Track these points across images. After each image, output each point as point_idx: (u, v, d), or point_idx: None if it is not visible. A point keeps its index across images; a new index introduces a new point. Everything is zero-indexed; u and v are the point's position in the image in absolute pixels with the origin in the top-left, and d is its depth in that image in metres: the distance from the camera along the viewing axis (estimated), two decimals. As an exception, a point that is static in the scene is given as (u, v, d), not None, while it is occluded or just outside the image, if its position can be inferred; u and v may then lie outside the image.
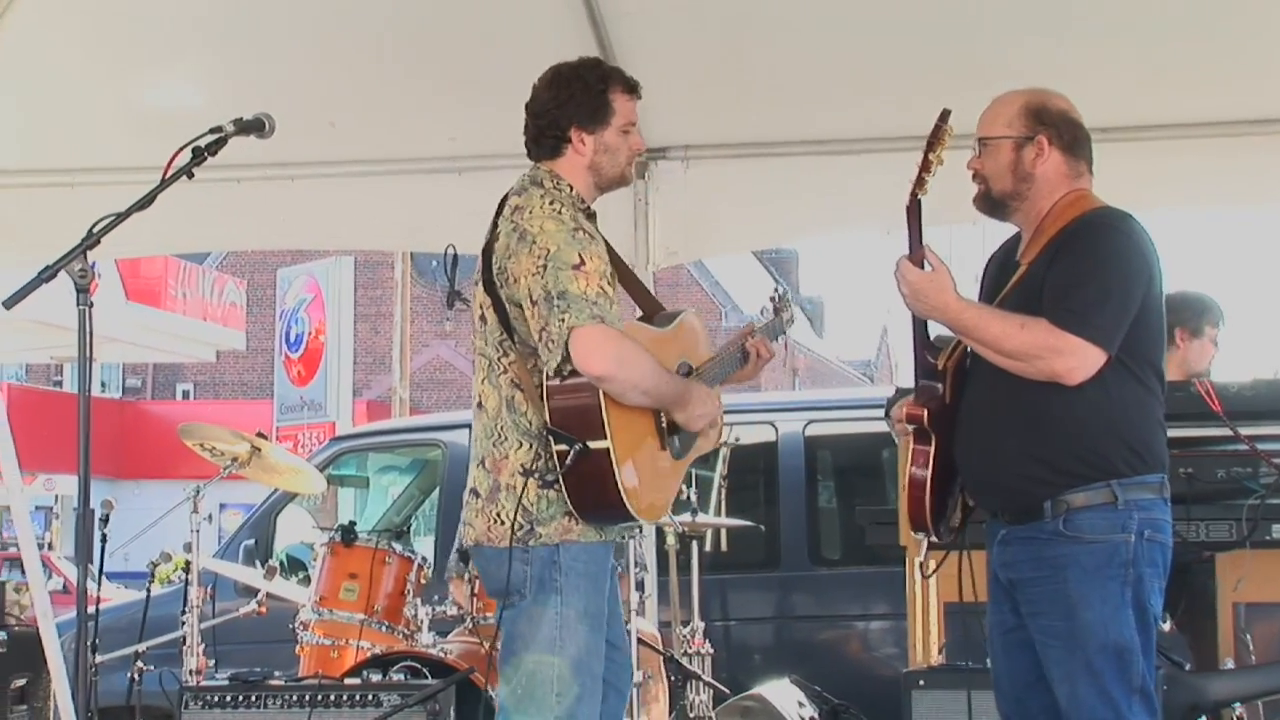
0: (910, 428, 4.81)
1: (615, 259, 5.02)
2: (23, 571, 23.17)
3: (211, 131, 4.83)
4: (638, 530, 5.02)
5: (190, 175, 4.75)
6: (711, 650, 7.55)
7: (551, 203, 4.90)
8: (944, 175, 4.75)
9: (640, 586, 6.95)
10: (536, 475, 4.73)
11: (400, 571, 6.77)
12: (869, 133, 7.72)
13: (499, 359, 4.87)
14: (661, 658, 7.20)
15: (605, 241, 4.97)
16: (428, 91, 7.84)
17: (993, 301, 4.82)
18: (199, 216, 7.96)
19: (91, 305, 4.29)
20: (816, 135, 7.90)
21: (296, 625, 6.92)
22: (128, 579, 18.25)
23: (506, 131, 7.92)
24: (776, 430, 9.88)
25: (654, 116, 7.96)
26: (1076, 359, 4.56)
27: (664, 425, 4.87)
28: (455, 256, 6.09)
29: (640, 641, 6.77)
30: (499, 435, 4.83)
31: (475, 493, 4.89)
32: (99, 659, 6.67)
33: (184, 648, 7.03)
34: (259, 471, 7.41)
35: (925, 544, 4.96)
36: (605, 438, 4.63)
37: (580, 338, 4.61)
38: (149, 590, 7.98)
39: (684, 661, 7.31)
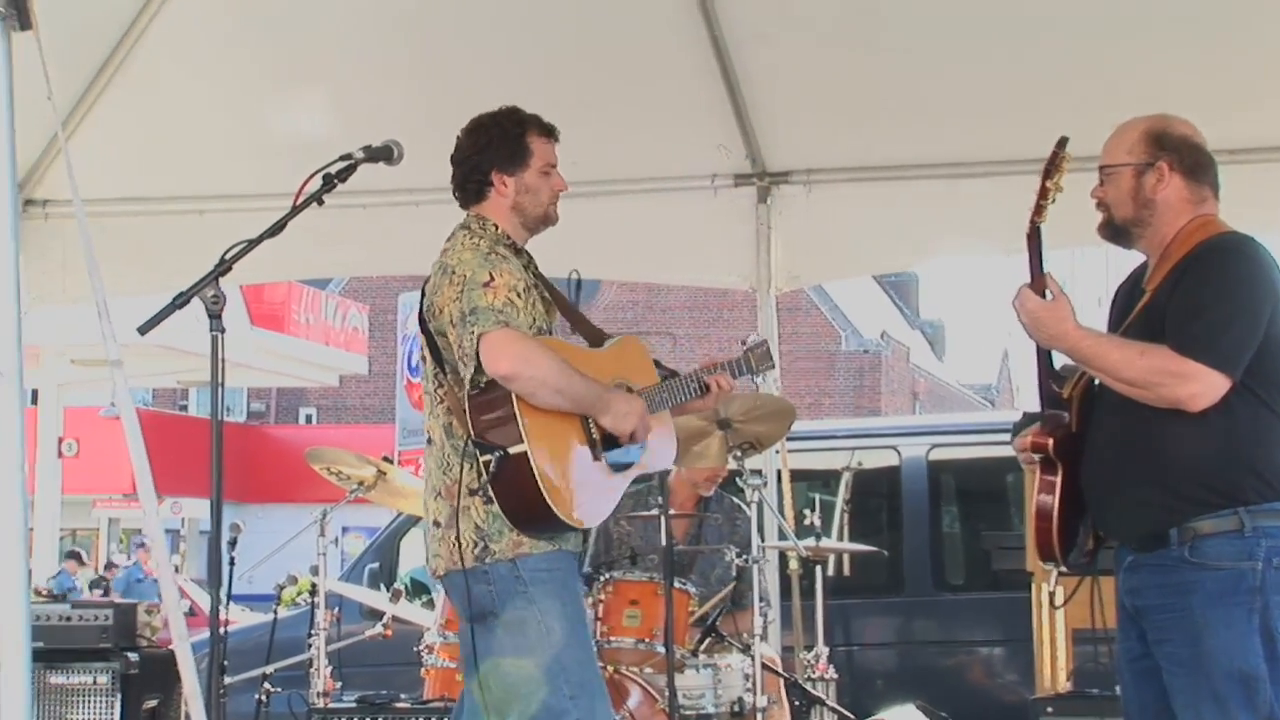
0: (1037, 457, 4.78)
1: (554, 293, 5.26)
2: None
3: (342, 159, 4.89)
4: (578, 546, 5.06)
5: (320, 202, 4.82)
6: (835, 676, 7.51)
7: (472, 237, 5.12)
8: (1066, 198, 4.72)
9: (763, 612, 6.92)
10: (481, 493, 4.83)
11: (525, 594, 6.78)
12: (992, 155, 7.69)
13: (435, 390, 5.04)
14: (784, 682, 7.17)
15: (541, 276, 5.23)
16: (551, 117, 7.86)
17: (1119, 329, 4.78)
18: (324, 242, 8.04)
19: (224, 331, 4.35)
20: (939, 158, 7.87)
21: (422, 648, 6.95)
22: (251, 601, 18.44)
23: (630, 156, 8.06)
24: (899, 455, 9.83)
25: (776, 141, 8.01)
26: (1199, 385, 4.50)
27: (594, 435, 4.97)
28: (579, 281, 6.11)
29: (763, 666, 6.75)
30: (446, 464, 4.98)
31: (436, 523, 5.00)
32: (227, 681, 6.74)
33: (311, 670, 7.10)
34: (384, 495, 7.46)
35: (1055, 573, 4.92)
36: (522, 441, 4.75)
37: (486, 342, 4.80)
38: (276, 613, 8.06)
39: (808, 687, 7.28)
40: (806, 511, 7.69)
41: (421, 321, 5.13)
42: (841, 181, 8.15)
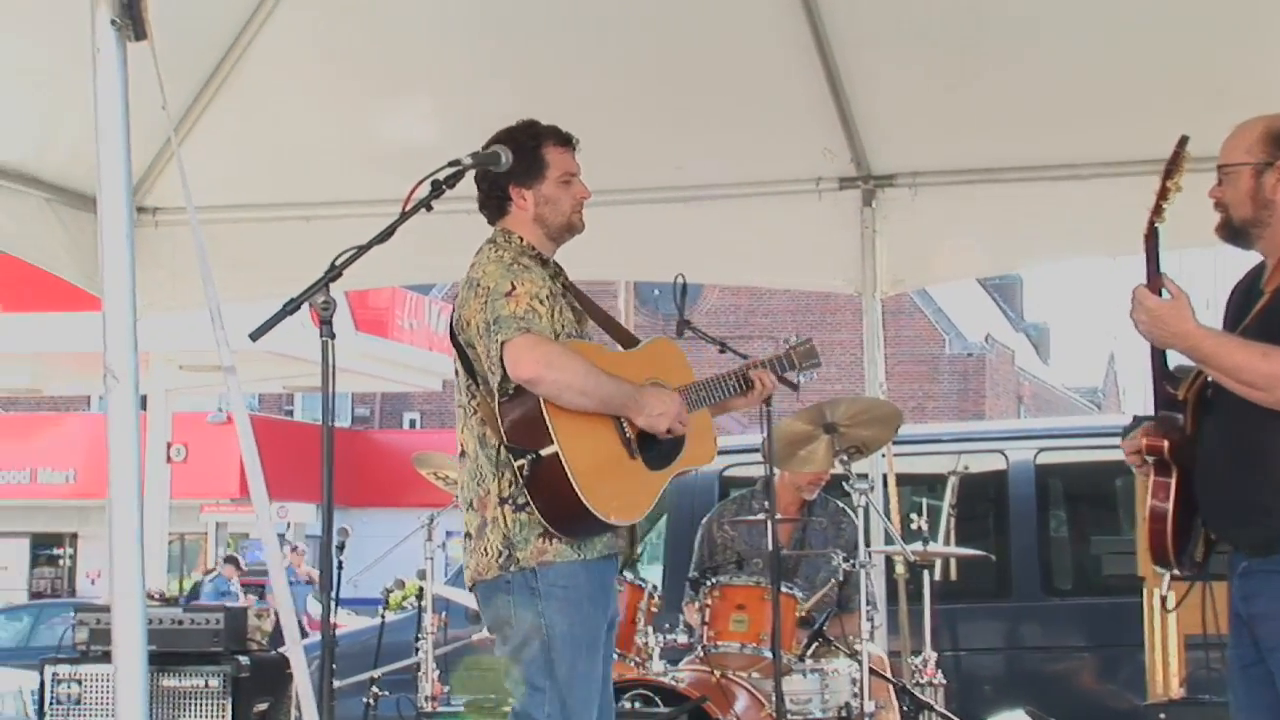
0: (1150, 459, 4.73)
1: (585, 301, 5.34)
2: (261, 597, 23.58)
3: (450, 164, 4.92)
4: (622, 549, 5.12)
5: (429, 208, 4.86)
6: (944, 681, 7.48)
7: (496, 250, 5.19)
8: (1180, 199, 4.67)
9: (870, 617, 6.90)
10: (510, 501, 4.94)
11: (631, 599, 6.78)
12: (1097, 157, 7.64)
13: (468, 403, 5.10)
14: (893, 687, 7.15)
15: (571, 285, 5.30)
16: (655, 122, 7.90)
17: (1235, 330, 4.72)
18: (429, 248, 8.03)
19: (334, 337, 4.39)
20: (1044, 160, 7.82)
21: (530, 652, 6.97)
22: (356, 605, 18.57)
23: (734, 160, 8.06)
24: (1007, 459, 9.77)
25: (881, 143, 7.97)
26: None
27: (628, 434, 5.06)
28: (685, 285, 6.12)
29: (871, 670, 6.73)
30: (479, 475, 5.05)
31: (468, 534, 5.07)
32: (336, 684, 6.80)
33: (419, 674, 7.14)
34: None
35: (1167, 578, 4.86)
36: (552, 442, 4.84)
37: (509, 349, 4.88)
38: (383, 616, 8.11)
39: (916, 692, 7.25)
40: (913, 516, 7.66)
41: (452, 335, 5.20)
42: (947, 184, 8.11)
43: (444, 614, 7.49)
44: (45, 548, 38.69)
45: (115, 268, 3.98)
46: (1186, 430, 4.73)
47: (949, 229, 8.22)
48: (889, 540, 7.65)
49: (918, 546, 7.40)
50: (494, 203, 5.32)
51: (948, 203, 8.12)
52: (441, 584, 8.14)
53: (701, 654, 6.81)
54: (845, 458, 6.96)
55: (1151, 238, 4.63)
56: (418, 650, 7.20)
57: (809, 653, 6.83)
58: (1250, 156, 4.69)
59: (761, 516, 6.68)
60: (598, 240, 8.50)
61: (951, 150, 7.93)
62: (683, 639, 6.93)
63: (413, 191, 4.99)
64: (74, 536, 38.08)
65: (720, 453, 10.34)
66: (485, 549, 4.98)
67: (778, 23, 7.31)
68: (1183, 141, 4.66)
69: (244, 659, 7.27)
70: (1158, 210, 4.63)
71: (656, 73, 7.60)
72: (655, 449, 5.13)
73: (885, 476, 8.31)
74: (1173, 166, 4.64)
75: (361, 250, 4.74)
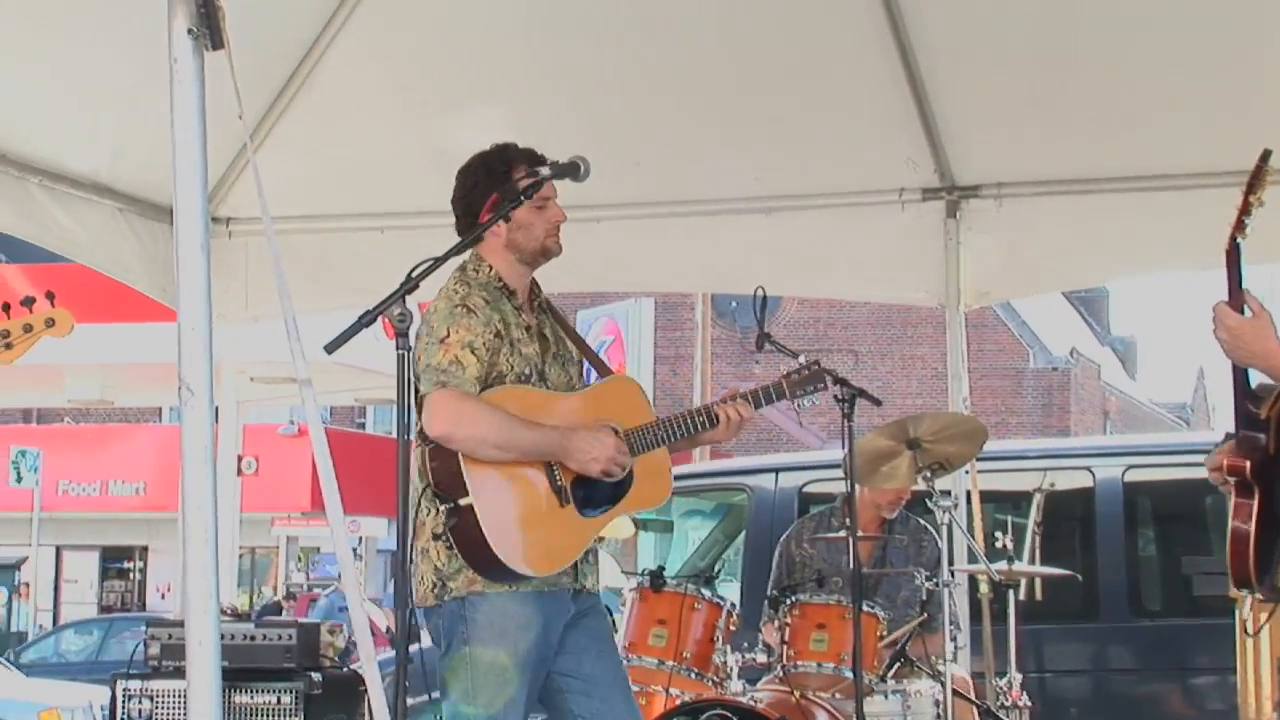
0: (1232, 480, 4.68)
1: (565, 328, 5.53)
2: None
3: (528, 175, 4.94)
4: (566, 584, 5.26)
5: (507, 219, 4.88)
6: (1029, 703, 7.43)
7: (455, 283, 5.25)
8: (1264, 213, 4.63)
9: (953, 637, 6.87)
10: (442, 538, 5.09)
11: (709, 618, 6.78)
12: (1187, 168, 7.58)
13: (417, 434, 5.13)
14: (976, 709, 7.11)
15: (548, 310, 5.48)
16: (733, 131, 7.90)
17: None
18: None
19: (410, 349, 4.41)
20: (1133, 171, 7.78)
21: (604, 671, 6.98)
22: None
23: (814, 170, 8.04)
24: (1093, 476, 9.70)
25: (965, 153, 7.94)
26: None
27: (560, 481, 5.14)
28: (765, 297, 6.12)
29: (954, 692, 6.70)
30: (419, 505, 5.13)
31: (412, 559, 5.14)
32: (409, 702, 6.80)
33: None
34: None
35: (1250, 600, 4.82)
36: (468, 494, 4.97)
37: (425, 403, 5.02)
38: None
39: (1000, 715, 7.21)
40: (998, 534, 7.61)
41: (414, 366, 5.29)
42: (1033, 195, 8.06)
43: (518, 631, 7.48)
44: (115, 561, 39.00)
45: (191, 279, 4.01)
46: (1269, 450, 4.68)
47: (1035, 241, 8.17)
48: (972, 559, 7.61)
49: (1002, 565, 7.36)
50: (467, 229, 5.34)
51: (1034, 214, 8.07)
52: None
53: (781, 674, 6.79)
54: (928, 474, 6.92)
55: (1233, 253, 4.59)
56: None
57: (891, 673, 6.81)
58: None
59: (842, 534, 6.67)
60: (674, 252, 8.63)
61: (1038, 160, 7.89)
62: (761, 658, 6.92)
63: (491, 202, 5.01)
64: (144, 549, 38.38)
65: (799, 468, 10.49)
66: (422, 577, 5.14)
67: (859, 28, 7.29)
68: (1265, 156, 4.61)
69: (316, 675, 7.30)
70: (1239, 225, 4.59)
71: (734, 81, 7.60)
72: (596, 492, 5.21)
73: (969, 493, 8.27)
74: (1254, 181, 4.60)
75: (439, 262, 4.77)
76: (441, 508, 5.06)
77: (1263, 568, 4.68)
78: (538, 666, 5.15)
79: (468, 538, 4.99)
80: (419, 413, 5.08)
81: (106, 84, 7.06)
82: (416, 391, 5.12)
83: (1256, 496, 4.64)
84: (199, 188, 4.06)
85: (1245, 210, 4.58)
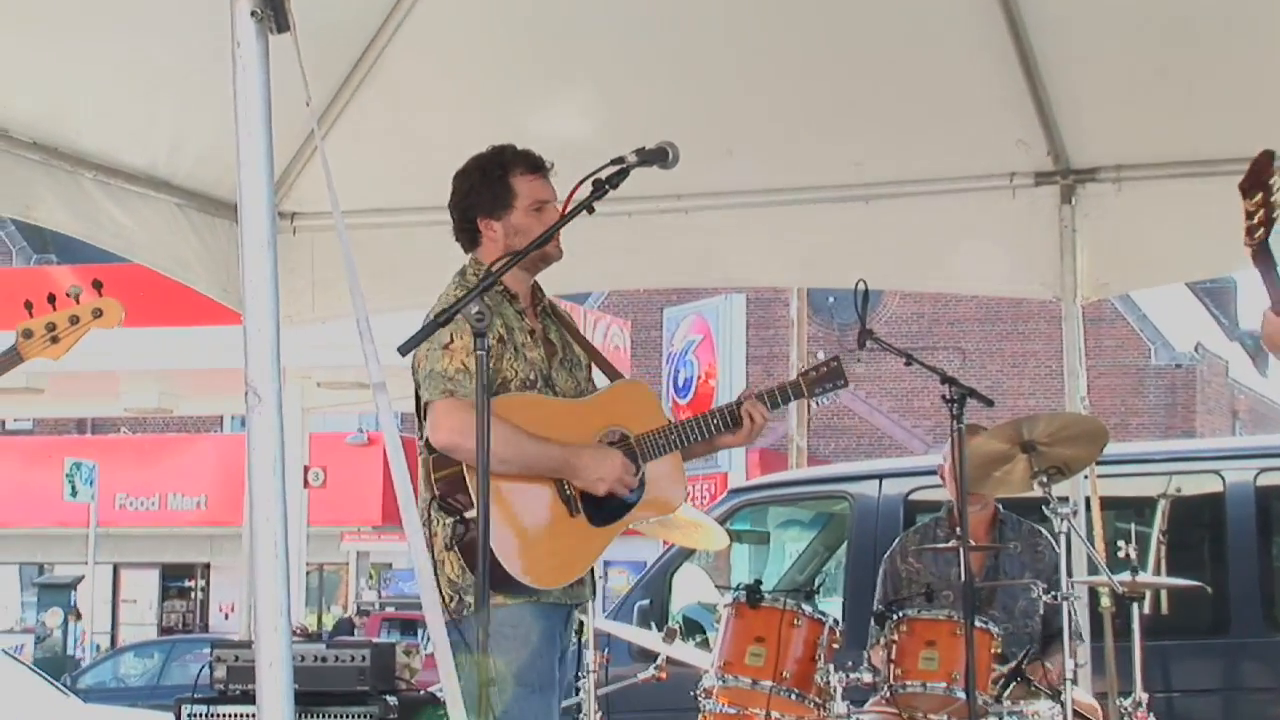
0: None
1: (572, 332, 5.70)
2: (402, 632, 23.72)
3: (613, 162, 4.95)
4: (584, 597, 5.61)
5: (591, 210, 4.89)
6: (1156, 725, 7.38)
7: (455, 288, 5.47)
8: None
9: (1074, 653, 6.83)
10: (453, 550, 5.29)
11: (810, 635, 6.75)
12: (1327, 146, 7.50)
13: (422, 446, 5.35)
14: (1100, 732, 7.07)
15: (553, 314, 5.67)
16: (830, 113, 7.88)
17: None
18: (584, 253, 8.07)
19: (489, 350, 4.42)
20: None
21: (699, 692, 6.97)
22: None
23: (918, 155, 8.01)
24: (1223, 480, 9.63)
25: (1082, 134, 7.89)
26: None
27: (569, 491, 5.35)
28: (866, 291, 6.12)
29: (1077, 714, 6.66)
30: (427, 517, 5.31)
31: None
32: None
33: (580, 715, 7.16)
34: (655, 526, 7.47)
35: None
36: (473, 506, 5.06)
37: (430, 411, 5.25)
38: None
39: (1125, 737, 7.16)
40: (1120, 543, 7.57)
41: (414, 371, 5.46)
42: (1155, 178, 8.00)
43: (606, 651, 7.50)
44: (176, 579, 39.30)
45: (256, 276, 4.03)
46: None
47: (1157, 228, 8.11)
48: (1093, 570, 7.56)
49: (1125, 577, 7.30)
50: (465, 235, 5.62)
51: (1156, 199, 8.01)
52: (602, 618, 8.16)
53: (888, 694, 6.77)
54: (1045, 479, 6.88)
55: (1259, 256, 4.54)
56: (578, 691, 7.21)
57: (1006, 694, 6.77)
58: None
59: (952, 544, 6.64)
60: (768, 244, 8.62)
61: (1161, 140, 7.83)
62: (867, 678, 6.88)
63: (573, 192, 5.04)
64: (206, 567, 38.65)
65: (904, 474, 10.46)
66: (439, 592, 5.23)
67: (967, 2, 7.26)
68: (1266, 157, 4.55)
69: (392, 699, 7.32)
70: (1248, 231, 4.53)
71: (832, 60, 7.59)
72: (607, 501, 5.40)
73: (1088, 500, 8.22)
74: (1246, 184, 4.54)
75: (517, 257, 4.79)
76: (448, 520, 5.24)
77: None
78: (562, 679, 5.41)
79: (473, 551, 5.06)
80: (421, 420, 5.27)
81: (162, 71, 7.11)
82: (418, 399, 5.33)
83: None
84: (265, 179, 4.07)
85: (1250, 216, 4.52)
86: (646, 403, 5.67)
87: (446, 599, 5.25)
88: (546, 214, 5.50)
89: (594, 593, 5.71)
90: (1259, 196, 4.54)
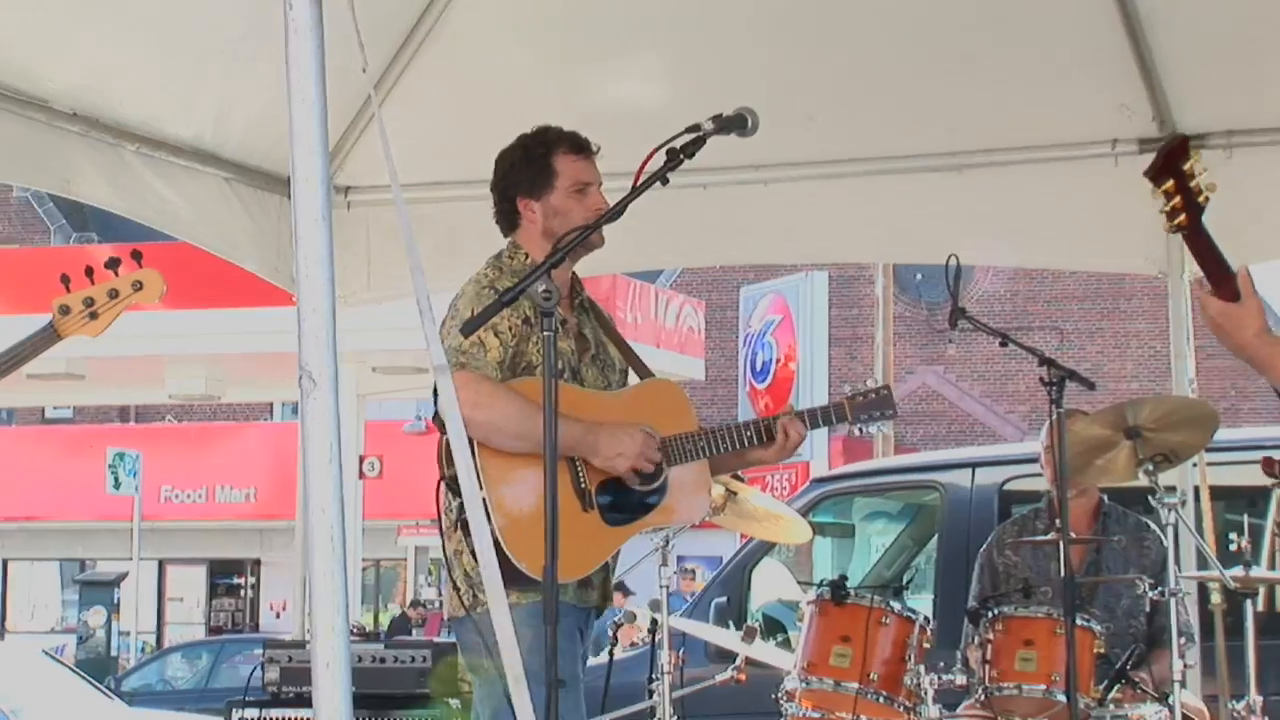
0: None
1: (607, 329, 5.74)
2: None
3: (688, 130, 4.95)
4: (593, 602, 5.60)
5: (665, 181, 4.89)
6: (1272, 730, 7.34)
7: (487, 268, 5.63)
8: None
9: (1182, 654, 6.80)
10: (459, 530, 5.36)
11: (899, 634, 6.75)
12: None
13: (434, 419, 5.34)
14: (1210, 738, 7.04)
15: (590, 309, 5.73)
16: (919, 77, 7.86)
17: None
18: (658, 228, 8.10)
19: (557, 330, 4.43)
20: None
21: (780, 695, 6.97)
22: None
23: (1012, 120, 7.98)
24: (1344, 467, 9.55)
25: (1189, 96, 7.84)
26: None
27: (585, 485, 5.39)
28: (959, 267, 6.10)
29: (1185, 718, 6.63)
30: (446, 504, 5.43)
31: (443, 563, 5.46)
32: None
33: (654, 719, 7.16)
34: (733, 518, 7.48)
35: None
36: (482, 487, 5.12)
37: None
38: (611, 654, 8.15)
39: (1238, 743, 7.13)
40: (1232, 535, 7.52)
41: None
42: (1269, 144, 7.95)
43: (681, 651, 7.49)
44: (224, 576, 39.53)
45: (311, 253, 4.03)
46: None
47: (1272, 197, 8.05)
48: (1203, 564, 7.52)
49: (1238, 571, 7.26)
50: (505, 216, 5.69)
51: (1271, 165, 7.96)
52: (678, 617, 8.16)
53: (982, 697, 6.76)
54: (1150, 467, 6.85)
55: (1194, 241, 4.50)
56: (652, 693, 7.22)
57: (1109, 696, 6.75)
58: None
59: (1052, 536, 6.62)
60: (851, 218, 8.61)
61: (1276, 102, 7.77)
62: (960, 680, 6.88)
63: (645, 162, 5.03)
64: (256, 563, 38.86)
65: (999, 463, 10.42)
66: (454, 584, 5.38)
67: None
68: (1174, 144, 4.51)
69: (454, 702, 7.36)
70: (1170, 216, 4.49)
71: (920, 19, 7.56)
72: (624, 500, 5.43)
73: (1197, 489, 8.18)
74: (1153, 172, 4.49)
75: (587, 231, 4.80)
76: (456, 502, 5.29)
77: None
78: (580, 680, 5.44)
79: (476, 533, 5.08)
80: (435, 397, 5.23)
81: (209, 36, 7.14)
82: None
83: None
84: (319, 151, 4.08)
85: (1166, 201, 4.48)
86: (678, 405, 5.68)
87: (461, 595, 5.34)
88: (589, 197, 5.59)
89: (607, 599, 5.68)
90: (1169, 184, 4.51)
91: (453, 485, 5.30)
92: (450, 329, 5.35)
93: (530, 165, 5.61)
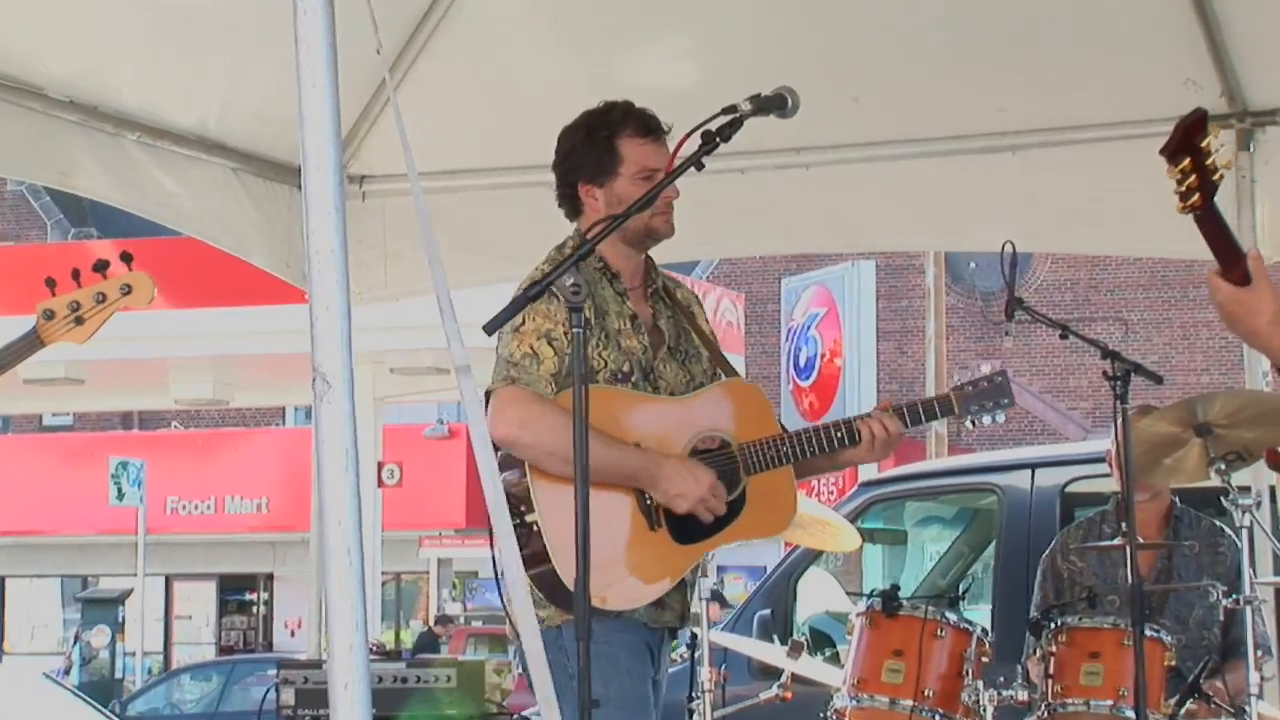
0: None
1: (683, 316, 5.66)
2: (490, 649, 23.79)
3: (724, 111, 4.95)
4: (668, 622, 5.53)
5: (700, 166, 4.89)
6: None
7: (546, 262, 5.42)
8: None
9: (1259, 665, 6.79)
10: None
11: (955, 647, 6.74)
12: None
13: None
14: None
15: (667, 298, 5.65)
16: (970, 52, 7.85)
17: None
18: (693, 216, 8.03)
19: (588, 325, 4.42)
20: None
21: (830, 714, 6.98)
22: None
23: (1070, 98, 7.97)
24: None
25: (1260, 69, 7.83)
26: None
27: (650, 502, 5.31)
28: (1015, 254, 6.09)
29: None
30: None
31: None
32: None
33: (694, 740, 7.16)
34: (776, 525, 7.50)
35: None
36: (533, 510, 5.18)
37: (491, 400, 5.23)
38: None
39: (1319, 762, 7.12)
40: (1317, 538, 7.52)
41: None
42: (1346, 119, 7.95)
43: (723, 668, 7.49)
44: (235, 592, 39.64)
45: (323, 247, 4.03)
46: None
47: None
48: (1280, 569, 7.52)
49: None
50: (567, 202, 5.57)
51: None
52: (719, 631, 8.16)
53: (1046, 713, 6.75)
54: (1223, 466, 6.84)
55: (1206, 222, 4.50)
56: (692, 712, 7.22)
57: (1182, 712, 6.74)
58: None
59: (1118, 542, 6.61)
60: (900, 203, 8.60)
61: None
62: (1021, 695, 6.87)
63: (680, 146, 5.03)
64: (269, 578, 38.98)
65: (1061, 463, 10.41)
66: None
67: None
68: (1193, 119, 4.50)
69: (481, 723, 7.37)
70: (1184, 198, 4.49)
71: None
72: (695, 518, 5.34)
73: (1273, 489, 8.16)
74: (1170, 149, 4.49)
75: (617, 221, 4.80)
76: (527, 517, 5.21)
77: None
78: (656, 703, 5.40)
79: (535, 560, 5.14)
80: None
81: (213, 18, 7.16)
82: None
83: None
84: (331, 137, 4.08)
85: (1180, 183, 4.49)
86: (758, 407, 5.61)
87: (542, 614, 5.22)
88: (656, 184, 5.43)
89: (685, 620, 5.64)
90: (1186, 162, 4.51)
91: (510, 504, 5.09)
92: (500, 334, 5.26)
93: (593, 148, 5.49)
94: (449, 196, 8.22)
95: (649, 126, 5.52)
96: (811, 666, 7.91)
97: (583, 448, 4.38)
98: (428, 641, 29.15)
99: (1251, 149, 8.03)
